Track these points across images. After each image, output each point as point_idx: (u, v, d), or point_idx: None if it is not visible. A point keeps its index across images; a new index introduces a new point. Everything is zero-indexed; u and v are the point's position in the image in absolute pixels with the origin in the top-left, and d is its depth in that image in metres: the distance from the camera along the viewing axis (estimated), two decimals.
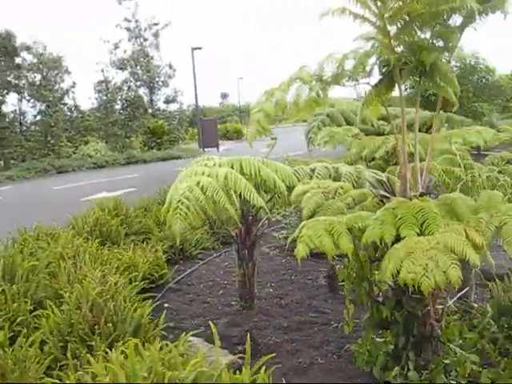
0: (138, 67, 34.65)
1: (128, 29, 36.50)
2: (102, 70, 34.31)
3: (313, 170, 5.65)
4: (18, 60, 30.04)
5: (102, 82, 34.45)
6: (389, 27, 3.70)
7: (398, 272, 3.28)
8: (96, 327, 4.09)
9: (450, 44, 3.92)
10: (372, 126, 10.89)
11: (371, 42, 4.13)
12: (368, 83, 4.15)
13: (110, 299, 4.26)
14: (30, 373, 3.60)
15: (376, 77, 4.20)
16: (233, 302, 6.59)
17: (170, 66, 37.58)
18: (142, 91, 36.09)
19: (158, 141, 34.47)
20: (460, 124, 11.18)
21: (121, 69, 34.69)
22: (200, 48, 37.76)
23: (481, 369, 4.15)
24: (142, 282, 6.04)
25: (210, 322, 4.05)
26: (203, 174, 4.89)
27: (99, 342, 3.84)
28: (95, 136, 34.06)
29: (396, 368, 4.07)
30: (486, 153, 14.01)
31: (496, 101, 24.42)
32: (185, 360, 3.05)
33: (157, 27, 37.12)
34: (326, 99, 4.18)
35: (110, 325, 4.00)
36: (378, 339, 4.65)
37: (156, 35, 37.18)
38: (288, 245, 9.02)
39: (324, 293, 6.92)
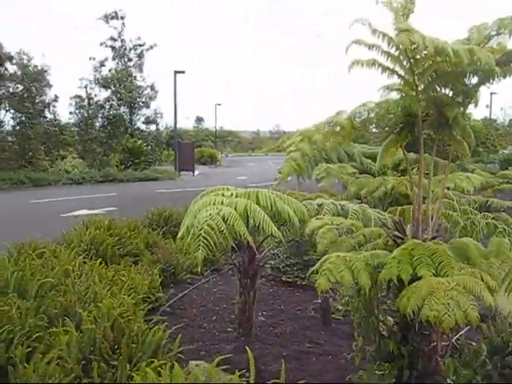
0: (122, 86, 34.77)
1: (113, 48, 36.80)
2: (86, 87, 34.44)
3: (320, 206, 5.91)
4: (1, 69, 29.91)
5: (79, 97, 34.50)
6: (417, 82, 4.02)
7: (418, 309, 3.54)
8: (116, 347, 4.23)
9: (468, 100, 4.26)
10: (361, 164, 11.27)
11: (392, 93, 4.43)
12: (393, 131, 4.46)
13: (131, 320, 4.42)
14: None
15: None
16: (229, 329, 6.74)
17: (152, 88, 37.88)
18: (123, 110, 36.19)
19: (136, 161, 34.51)
20: (442, 168, 11.62)
21: (104, 87, 34.80)
22: (183, 72, 38.18)
23: None
24: (145, 305, 6.16)
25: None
26: (222, 203, 5.11)
27: (123, 362, 3.98)
28: (72, 152, 33.95)
29: None
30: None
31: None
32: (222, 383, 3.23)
33: (142, 48, 37.54)
34: (350, 140, 4.48)
35: (134, 345, 4.15)
36: (377, 372, 4.87)
37: (140, 56, 37.55)
38: (275, 275, 9.33)
39: (315, 324, 7.12)
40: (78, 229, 9.21)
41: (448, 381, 4.59)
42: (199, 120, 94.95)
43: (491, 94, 55.60)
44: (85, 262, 6.90)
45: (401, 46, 3.64)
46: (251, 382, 3.51)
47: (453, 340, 4.73)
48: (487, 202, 16.96)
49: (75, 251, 7.36)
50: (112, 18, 36.78)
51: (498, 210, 18.92)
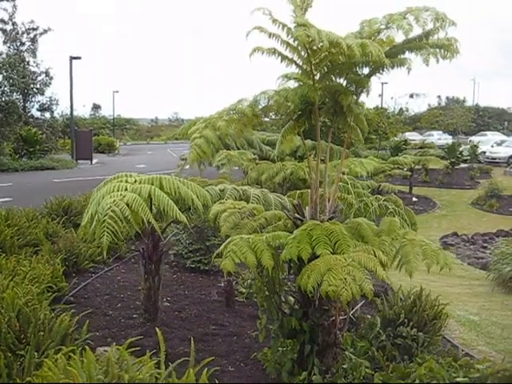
0: (15, 72, 33.12)
1: (3, 31, 34.97)
2: None
3: (222, 191, 6.06)
4: None
5: None
6: (314, 71, 4.25)
7: (318, 285, 3.79)
8: (22, 336, 4.19)
9: (360, 89, 4.55)
10: (260, 150, 11.57)
11: (290, 81, 4.65)
12: (291, 118, 4.68)
13: (36, 308, 4.37)
14: None
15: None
16: (134, 315, 6.78)
17: (47, 74, 36.27)
18: (15, 97, 34.51)
19: (31, 149, 33.09)
20: (337, 153, 12.17)
21: None
22: (79, 58, 37.00)
23: (373, 372, 4.75)
24: (49, 294, 6.07)
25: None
26: (126, 189, 5.14)
27: (30, 351, 3.95)
28: None
29: (304, 372, 4.55)
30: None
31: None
32: (134, 363, 3.31)
33: (35, 32, 35.85)
34: (249, 128, 4.65)
35: (42, 334, 4.12)
36: (280, 349, 5.12)
37: (34, 40, 35.87)
38: (178, 261, 9.42)
39: (219, 307, 7.32)
40: None
41: (346, 353, 4.90)
42: (96, 107, 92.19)
43: (382, 83, 58.09)
44: None
45: (297, 40, 3.83)
46: (162, 360, 3.61)
47: (350, 314, 5.06)
48: (379, 186, 17.94)
49: None
50: None
51: (389, 193, 20.06)
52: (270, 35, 4.07)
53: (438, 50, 4.56)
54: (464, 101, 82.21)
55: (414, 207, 21.02)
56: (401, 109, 42.84)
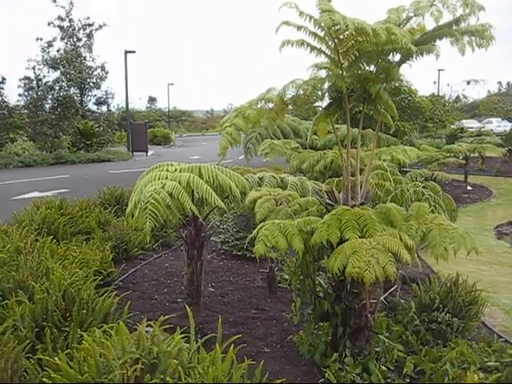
0: (72, 67, 34.21)
1: (61, 27, 36.13)
2: (34, 68, 33.74)
3: (261, 179, 6.22)
4: None
5: (28, 78, 33.79)
6: (342, 60, 4.35)
7: (344, 267, 3.91)
8: (67, 315, 4.49)
9: (391, 77, 4.61)
10: (306, 139, 11.66)
11: (322, 70, 4.75)
12: (320, 106, 4.79)
13: (81, 289, 4.67)
14: (9, 356, 3.93)
15: (326, 101, 4.85)
16: (178, 300, 7.04)
17: (103, 68, 37.36)
18: (73, 91, 35.65)
19: (88, 142, 34.15)
20: (385, 141, 12.13)
21: (53, 68, 34.16)
22: (134, 51, 37.87)
23: (405, 356, 4.84)
24: (95, 277, 6.39)
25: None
26: (166, 178, 5.37)
27: (74, 327, 4.24)
28: (22, 134, 33.37)
29: (335, 354, 4.68)
30: (406, 169, 15.14)
31: (416, 121, 25.93)
32: (165, 338, 3.54)
33: (91, 28, 36.94)
34: (283, 117, 4.78)
35: (84, 311, 4.42)
36: (315, 332, 5.26)
37: (90, 36, 36.97)
38: (225, 249, 9.65)
39: (262, 293, 7.49)
40: (29, 209, 9.32)
41: (380, 337, 5.00)
42: (152, 100, 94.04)
43: (439, 70, 56.97)
44: (36, 240, 7.06)
45: (323, 25, 3.94)
46: (192, 335, 3.82)
47: (382, 298, 5.15)
48: (433, 174, 17.67)
49: (26, 230, 7.50)
50: None
51: (444, 182, 19.74)
52: (298, 28, 4.19)
53: (472, 37, 4.56)
54: None
55: (469, 196, 20.61)
56: (457, 96, 41.80)
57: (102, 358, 3.29)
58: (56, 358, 3.56)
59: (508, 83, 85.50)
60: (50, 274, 5.49)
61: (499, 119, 55.95)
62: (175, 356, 3.34)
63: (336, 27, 3.97)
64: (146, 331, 4.85)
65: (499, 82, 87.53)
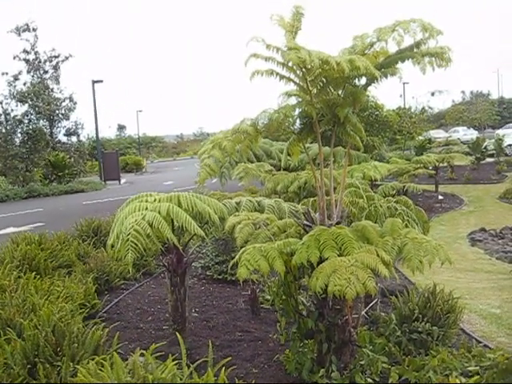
0: (40, 100, 34.14)
1: (27, 60, 36.10)
2: (1, 103, 33.60)
3: (238, 204, 6.38)
4: None
5: (0, 114, 33.67)
6: (310, 87, 4.56)
7: (326, 286, 4.07)
8: (58, 349, 4.56)
9: (358, 100, 4.83)
10: (278, 160, 11.88)
11: (292, 97, 4.96)
12: (293, 131, 4.99)
13: (70, 323, 4.75)
14: None
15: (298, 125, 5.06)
16: (164, 327, 7.12)
17: (71, 99, 37.35)
18: (42, 124, 35.55)
19: (60, 174, 33.98)
20: (356, 158, 12.40)
21: (21, 101, 34.06)
22: (101, 81, 37.97)
23: (390, 367, 5.00)
24: (81, 311, 6.45)
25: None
26: (146, 209, 5.50)
27: (66, 361, 4.32)
28: None
29: (322, 370, 4.82)
30: (378, 183, 15.45)
31: (385, 134, 26.43)
32: (158, 366, 3.65)
33: (57, 59, 36.98)
34: (256, 144, 4.97)
35: (75, 345, 4.49)
36: (301, 349, 5.40)
37: (56, 68, 36.98)
38: (206, 274, 9.75)
39: (246, 315, 7.61)
40: (9, 246, 9.33)
41: (364, 350, 5.15)
42: (121, 128, 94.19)
43: (404, 83, 58.07)
44: (19, 277, 7.10)
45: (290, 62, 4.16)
46: (184, 361, 3.93)
47: (363, 312, 5.32)
48: (404, 187, 18.02)
49: (8, 267, 7.52)
50: (24, 30, 36.05)
51: (416, 193, 20.08)
52: (266, 59, 4.40)
53: (433, 58, 4.82)
54: (489, 94, 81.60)
55: (441, 205, 21.03)
56: (423, 107, 42.62)
57: None
58: None
59: (471, 92, 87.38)
60: (36, 309, 5.54)
61: (465, 128, 57.19)
62: (169, 382, 3.45)
63: (301, 60, 4.17)
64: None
65: (463, 91, 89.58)
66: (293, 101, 4.89)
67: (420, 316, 5.62)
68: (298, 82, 4.60)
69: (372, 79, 4.79)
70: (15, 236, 10.17)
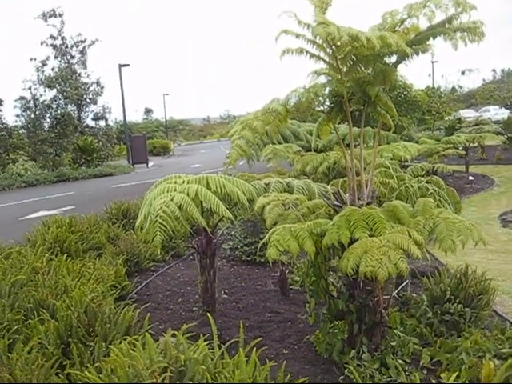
0: (67, 85, 34.48)
1: (54, 46, 36.44)
2: (30, 88, 34.01)
3: (267, 185, 6.35)
4: None
5: (24, 98, 34.08)
6: (340, 66, 4.49)
7: (357, 267, 4.04)
8: (91, 330, 4.62)
9: (388, 78, 4.75)
10: (307, 142, 11.81)
11: (322, 76, 4.89)
12: (322, 111, 4.93)
13: (102, 304, 4.81)
14: (39, 373, 4.06)
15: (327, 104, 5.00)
16: (194, 308, 7.16)
17: (98, 84, 37.68)
18: (70, 108, 35.93)
19: (88, 158, 34.36)
20: (385, 138, 12.26)
21: (49, 86, 34.43)
22: (128, 65, 38.06)
23: (421, 348, 4.96)
24: (112, 292, 6.52)
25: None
26: (175, 190, 5.50)
27: (98, 341, 4.38)
28: (23, 154, 33.60)
29: (352, 351, 4.80)
30: (407, 164, 15.26)
31: (414, 114, 26.06)
32: (189, 346, 3.67)
33: (83, 44, 37.31)
34: (285, 124, 4.92)
35: (107, 326, 4.55)
36: (331, 331, 5.38)
37: (83, 52, 37.31)
38: (235, 255, 9.77)
39: (275, 296, 7.61)
40: (41, 229, 9.47)
41: (395, 331, 5.11)
42: (148, 111, 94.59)
43: (432, 62, 57.16)
44: (51, 259, 7.20)
45: (317, 37, 4.08)
46: (215, 342, 3.94)
47: (394, 293, 5.27)
48: (434, 167, 17.77)
49: (40, 250, 7.63)
50: (50, 16, 36.39)
51: (446, 174, 19.79)
52: (297, 36, 4.33)
53: (465, 33, 4.71)
54: None
55: (472, 186, 20.72)
56: (453, 87, 41.94)
57: (130, 368, 3.41)
58: (86, 372, 3.69)
59: (502, 70, 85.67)
60: (69, 291, 5.62)
61: (496, 107, 56.05)
62: (201, 362, 3.46)
63: (329, 36, 4.09)
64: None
65: (493, 70, 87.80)
66: (322, 80, 4.82)
67: (452, 297, 5.55)
68: (327, 60, 4.53)
69: (403, 57, 4.70)
70: (46, 219, 10.31)
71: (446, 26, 4.66)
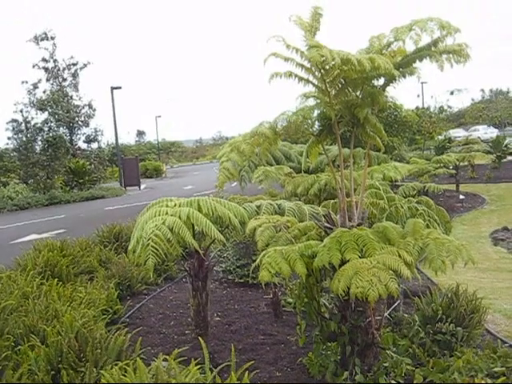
0: (59, 107, 34.56)
1: (46, 69, 36.59)
2: (21, 111, 34.07)
3: (258, 207, 6.37)
4: None
5: (16, 121, 34.09)
6: (329, 89, 4.55)
7: (348, 288, 4.05)
8: (82, 355, 4.60)
9: (376, 101, 4.81)
10: (299, 163, 11.87)
11: (310, 99, 4.95)
12: (312, 133, 4.98)
13: (93, 329, 4.79)
14: None
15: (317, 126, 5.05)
16: (186, 332, 7.13)
17: (90, 106, 37.82)
18: (62, 131, 35.97)
19: (80, 181, 34.32)
20: (375, 159, 12.33)
21: (41, 109, 34.51)
22: (119, 87, 38.26)
23: (414, 369, 4.96)
24: (104, 316, 6.49)
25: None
26: (167, 213, 5.52)
27: (89, 367, 4.35)
28: (14, 177, 33.53)
29: (345, 372, 4.79)
30: (398, 183, 15.34)
31: (404, 134, 26.24)
32: (181, 370, 3.66)
33: (75, 67, 37.48)
34: (276, 147, 4.97)
35: (99, 351, 4.52)
36: (324, 352, 5.37)
37: (75, 75, 37.47)
38: (227, 278, 9.74)
39: (268, 318, 7.60)
40: (32, 253, 9.42)
41: (388, 352, 5.11)
42: (140, 134, 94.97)
43: (422, 83, 57.67)
44: (42, 284, 7.16)
45: (311, 60, 4.15)
46: (206, 366, 3.93)
47: (386, 314, 5.28)
48: (424, 187, 17.86)
49: (31, 274, 7.60)
50: (42, 39, 36.61)
51: (437, 193, 19.89)
52: (286, 59, 4.40)
53: (450, 55, 4.79)
54: (508, 92, 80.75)
55: (463, 205, 20.83)
56: (441, 107, 42.29)
57: None
58: None
59: (491, 90, 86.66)
60: (59, 316, 5.60)
61: (485, 126, 56.57)
62: None
63: (322, 58, 4.16)
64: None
65: (482, 90, 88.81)
66: (311, 102, 4.88)
67: (444, 317, 5.56)
68: (316, 83, 4.59)
69: (390, 79, 4.77)
70: (37, 243, 10.26)
71: (432, 48, 4.74)
